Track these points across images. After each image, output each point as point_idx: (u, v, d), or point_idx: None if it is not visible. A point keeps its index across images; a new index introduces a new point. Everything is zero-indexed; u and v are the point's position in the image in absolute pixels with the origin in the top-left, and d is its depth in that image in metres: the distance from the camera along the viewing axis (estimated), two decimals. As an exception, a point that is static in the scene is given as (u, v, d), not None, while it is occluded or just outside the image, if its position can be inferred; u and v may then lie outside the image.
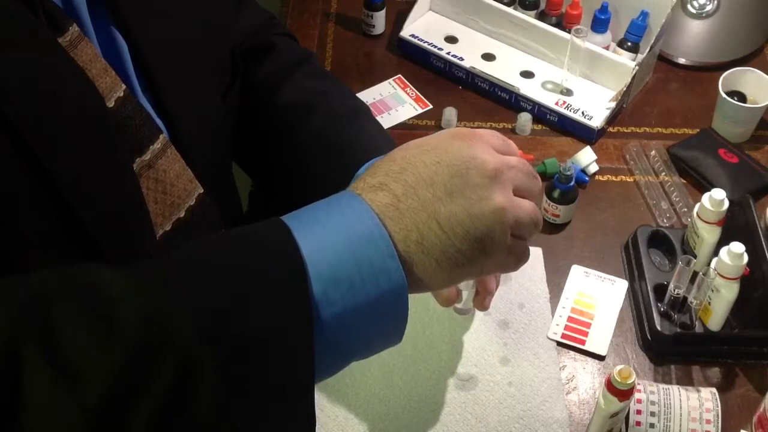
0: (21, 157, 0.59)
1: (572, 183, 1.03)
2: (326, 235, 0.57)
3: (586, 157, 1.12)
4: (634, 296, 0.99)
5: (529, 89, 1.21)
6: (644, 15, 1.20)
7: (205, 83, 0.83)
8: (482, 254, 0.61)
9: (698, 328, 0.92)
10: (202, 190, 0.79)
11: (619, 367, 0.78)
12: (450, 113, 1.18)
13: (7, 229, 0.59)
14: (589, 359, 0.93)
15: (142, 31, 0.72)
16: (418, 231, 0.60)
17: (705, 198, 0.93)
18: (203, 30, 0.81)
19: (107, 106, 0.67)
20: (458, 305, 0.82)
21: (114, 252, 0.67)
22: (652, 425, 0.83)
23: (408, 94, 1.24)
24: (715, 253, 0.90)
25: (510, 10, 1.25)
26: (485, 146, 0.63)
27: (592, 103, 1.19)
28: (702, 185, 1.10)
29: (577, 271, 1.01)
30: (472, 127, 1.16)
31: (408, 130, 1.18)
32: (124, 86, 0.69)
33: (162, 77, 0.74)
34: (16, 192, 0.60)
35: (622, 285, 1.00)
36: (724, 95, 1.14)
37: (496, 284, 0.81)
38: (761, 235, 0.90)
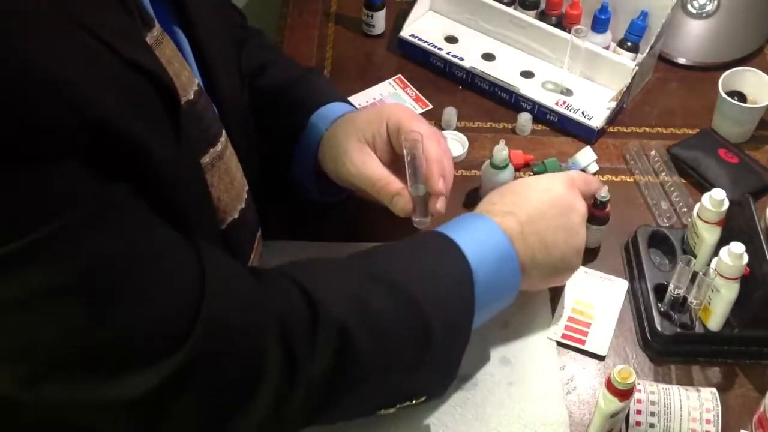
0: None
1: None
2: (485, 254, 0.81)
3: (586, 157, 1.12)
4: (634, 296, 0.99)
5: (529, 89, 1.21)
6: (644, 15, 1.20)
7: (237, 72, 0.87)
8: (567, 270, 0.90)
9: (698, 328, 0.92)
10: (247, 186, 0.83)
11: (619, 367, 0.78)
12: (450, 113, 1.18)
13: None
14: (589, 359, 0.93)
15: (204, 29, 0.75)
16: (533, 252, 0.84)
17: (705, 198, 0.93)
18: (228, 21, 0.86)
19: (188, 98, 0.70)
20: (414, 217, 0.87)
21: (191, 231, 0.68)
22: (652, 425, 0.83)
23: (408, 94, 1.24)
24: (715, 253, 0.90)
25: (510, 10, 1.25)
26: (579, 194, 0.89)
27: (592, 103, 1.19)
28: (702, 185, 1.10)
29: (577, 271, 1.00)
30: (471, 128, 1.20)
31: (408, 130, 1.18)
32: (197, 80, 0.72)
33: (220, 72, 0.78)
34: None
35: (622, 285, 1.00)
36: (724, 95, 1.14)
37: (445, 184, 0.86)
38: (761, 235, 0.90)
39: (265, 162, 0.96)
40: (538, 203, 0.85)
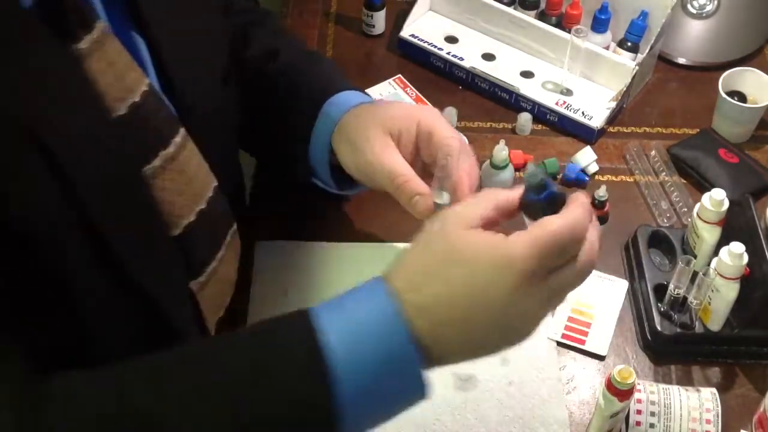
0: (45, 163, 0.60)
1: (550, 190, 0.66)
2: (368, 370, 0.58)
3: (586, 157, 1.12)
4: (634, 296, 0.99)
5: (529, 89, 1.21)
6: (644, 15, 1.20)
7: (213, 70, 0.85)
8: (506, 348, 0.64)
9: (698, 328, 0.92)
10: (216, 183, 0.81)
11: (619, 367, 0.78)
12: (450, 113, 1.18)
13: (30, 221, 0.60)
14: (589, 359, 0.93)
15: (159, 29, 0.73)
16: (448, 354, 0.62)
17: (705, 198, 0.93)
18: (209, 15, 0.83)
19: (133, 101, 0.69)
20: None
21: (126, 249, 0.67)
22: (652, 425, 0.83)
23: (408, 94, 1.23)
24: (715, 253, 0.90)
25: (510, 10, 1.25)
26: (535, 287, 0.60)
27: (592, 103, 1.19)
28: (702, 185, 1.10)
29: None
30: (471, 128, 1.19)
31: (408, 130, 1.18)
32: (147, 80, 0.70)
33: (178, 72, 0.76)
34: (41, 192, 0.61)
35: (622, 285, 1.00)
36: (724, 95, 1.14)
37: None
38: (761, 235, 0.90)
39: (280, 151, 0.95)
40: (463, 308, 0.60)
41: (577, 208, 0.61)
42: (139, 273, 0.69)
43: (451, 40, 1.29)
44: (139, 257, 0.69)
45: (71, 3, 0.63)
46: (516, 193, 0.65)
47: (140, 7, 0.71)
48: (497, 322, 0.60)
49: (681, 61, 1.29)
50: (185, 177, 0.75)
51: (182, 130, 0.75)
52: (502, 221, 0.64)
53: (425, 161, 0.83)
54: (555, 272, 0.60)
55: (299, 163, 0.92)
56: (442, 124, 0.81)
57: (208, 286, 0.82)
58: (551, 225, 0.59)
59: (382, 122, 0.82)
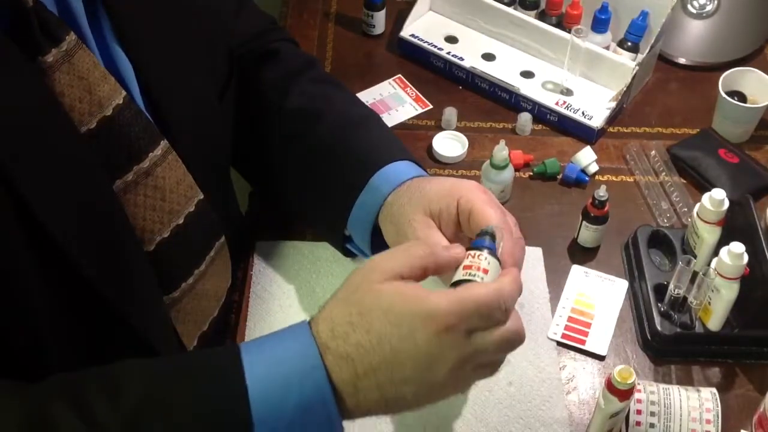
0: None
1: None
2: (286, 412, 0.61)
3: (586, 157, 1.12)
4: (634, 296, 0.99)
5: (529, 89, 1.21)
6: (644, 15, 1.20)
7: (202, 85, 0.83)
8: (428, 404, 0.66)
9: (698, 328, 0.92)
10: (201, 196, 0.79)
11: (619, 367, 0.78)
12: (450, 113, 1.18)
13: None
14: (589, 359, 0.93)
15: (142, 43, 0.72)
16: (367, 406, 0.64)
17: (705, 198, 0.93)
18: (200, 32, 0.81)
19: (105, 114, 0.67)
20: None
21: (91, 264, 0.67)
22: (652, 425, 0.83)
23: (408, 94, 1.24)
24: (715, 253, 0.90)
25: (510, 10, 1.25)
26: (454, 340, 0.62)
27: (592, 103, 1.19)
28: (702, 185, 1.10)
29: (577, 271, 1.01)
30: (471, 128, 1.19)
31: (408, 130, 1.18)
32: (123, 93, 0.69)
33: (161, 85, 0.74)
34: None
35: (622, 285, 1.00)
36: (724, 95, 1.14)
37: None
38: (761, 235, 0.90)
39: (312, 212, 0.93)
40: (387, 350, 0.62)
41: (508, 279, 0.64)
42: (105, 288, 0.68)
43: (451, 40, 1.29)
44: (106, 273, 0.68)
45: (36, 18, 0.62)
46: (441, 255, 0.66)
47: (122, 24, 0.71)
48: (417, 368, 0.62)
49: (681, 61, 1.29)
50: (160, 192, 0.74)
51: (163, 143, 0.74)
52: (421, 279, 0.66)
53: (469, 237, 0.80)
54: (477, 333, 0.63)
55: (332, 230, 0.90)
56: (480, 204, 0.78)
57: (183, 301, 0.81)
58: (478, 289, 0.63)
59: (422, 204, 0.80)
